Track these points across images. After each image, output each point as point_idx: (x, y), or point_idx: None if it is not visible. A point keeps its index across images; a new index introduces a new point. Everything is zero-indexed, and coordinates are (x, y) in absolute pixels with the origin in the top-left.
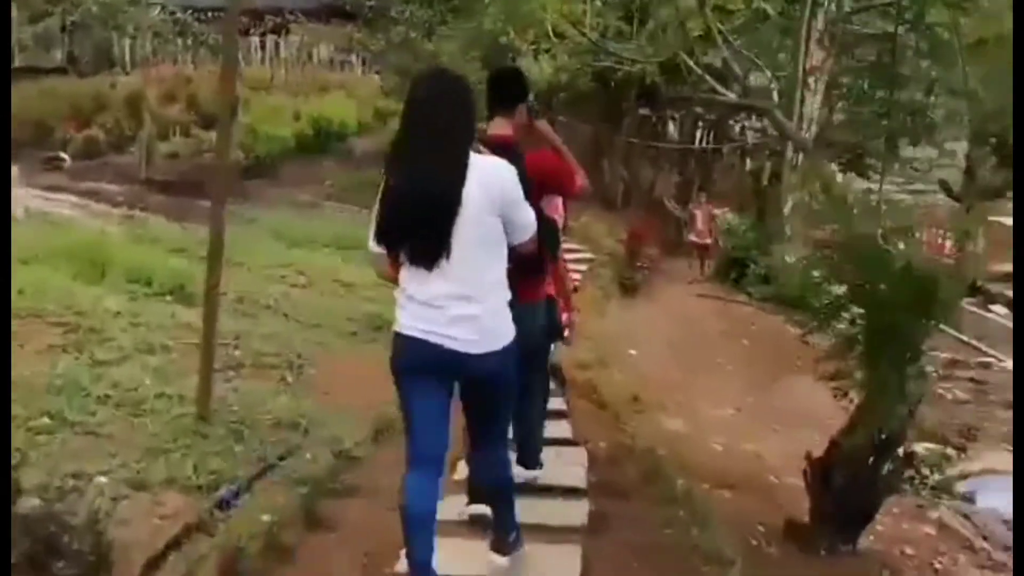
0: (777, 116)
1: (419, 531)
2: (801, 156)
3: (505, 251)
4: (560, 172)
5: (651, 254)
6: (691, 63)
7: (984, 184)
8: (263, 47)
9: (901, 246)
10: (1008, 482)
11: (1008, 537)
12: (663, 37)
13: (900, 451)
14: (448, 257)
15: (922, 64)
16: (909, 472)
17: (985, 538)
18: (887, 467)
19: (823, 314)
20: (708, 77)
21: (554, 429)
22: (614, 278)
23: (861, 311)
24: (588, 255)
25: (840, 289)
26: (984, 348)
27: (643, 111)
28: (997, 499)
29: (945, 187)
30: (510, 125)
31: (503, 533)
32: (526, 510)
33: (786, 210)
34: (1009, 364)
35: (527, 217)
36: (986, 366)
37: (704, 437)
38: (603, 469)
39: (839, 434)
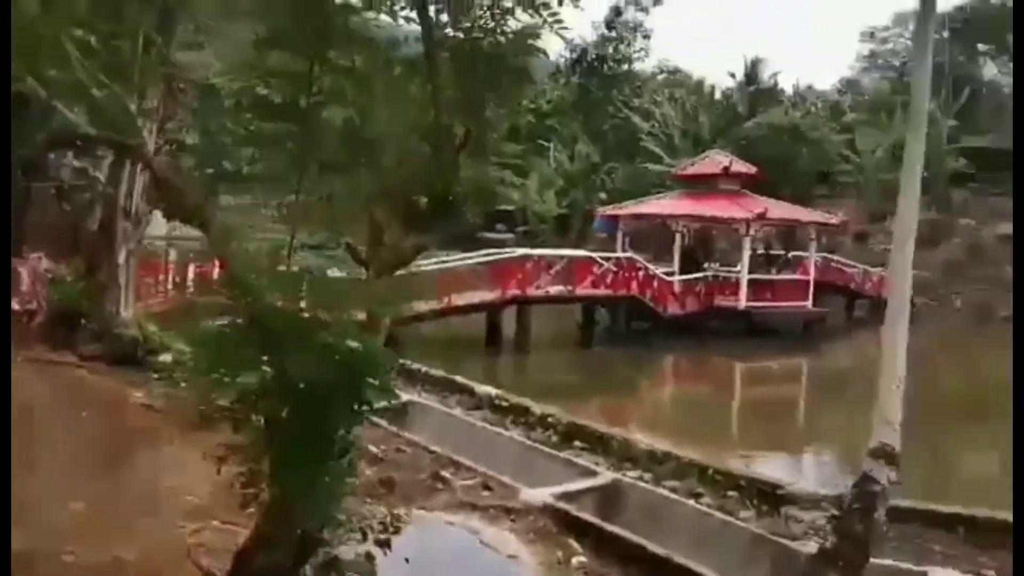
0: (148, 155)
1: None
2: (138, 201)
3: None
4: None
5: None
6: (34, 83)
7: (391, 249)
8: None
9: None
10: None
11: None
12: None
13: (321, 555)
14: None
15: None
16: None
17: None
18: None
19: (234, 411)
20: (58, 103)
21: None
22: None
23: (277, 400)
24: None
25: (253, 377)
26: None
27: None
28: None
29: (352, 252)
30: None
31: None
32: None
33: (120, 259)
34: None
35: None
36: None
37: (52, 549)
38: None
39: (249, 542)
